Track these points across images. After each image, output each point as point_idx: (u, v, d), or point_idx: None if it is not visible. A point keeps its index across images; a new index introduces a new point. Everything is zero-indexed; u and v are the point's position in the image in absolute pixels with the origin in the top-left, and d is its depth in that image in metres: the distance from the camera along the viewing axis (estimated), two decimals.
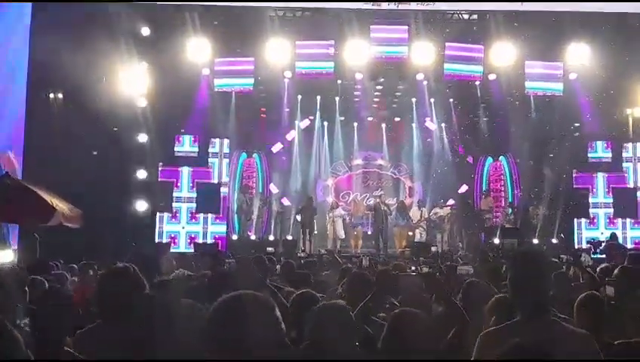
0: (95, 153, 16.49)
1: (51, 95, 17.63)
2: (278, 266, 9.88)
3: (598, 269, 8.36)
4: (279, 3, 18.01)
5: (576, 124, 19.26)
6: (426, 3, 17.72)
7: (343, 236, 20.62)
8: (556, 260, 9.27)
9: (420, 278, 5.15)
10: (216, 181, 19.07)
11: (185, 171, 18.78)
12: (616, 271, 5.94)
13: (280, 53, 18.04)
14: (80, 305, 6.96)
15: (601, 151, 19.48)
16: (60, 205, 9.93)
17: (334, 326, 3.59)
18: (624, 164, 19.34)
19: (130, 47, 17.27)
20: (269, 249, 16.84)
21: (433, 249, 17.33)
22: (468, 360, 3.41)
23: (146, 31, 17.87)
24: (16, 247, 13.45)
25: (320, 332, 3.59)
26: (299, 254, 16.41)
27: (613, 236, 16.87)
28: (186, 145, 18.93)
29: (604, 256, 14.79)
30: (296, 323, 4.09)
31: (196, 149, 18.95)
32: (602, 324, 4.28)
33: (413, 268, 7.03)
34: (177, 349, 3.21)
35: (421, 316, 3.96)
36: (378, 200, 20.34)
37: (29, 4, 16.42)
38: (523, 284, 3.32)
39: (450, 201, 21.28)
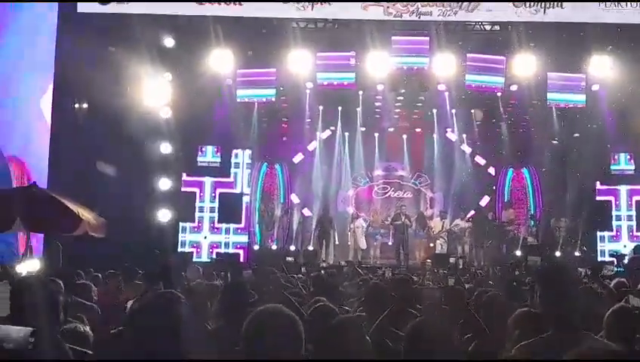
0: (124, 159, 16.61)
1: (76, 105, 17.86)
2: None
3: (612, 284, 8.38)
4: (301, 14, 18.13)
5: (599, 136, 19.09)
6: (447, 14, 17.72)
7: (365, 247, 20.64)
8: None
9: (440, 292, 5.17)
10: (238, 191, 19.22)
11: (207, 181, 18.97)
12: None
13: (302, 64, 18.13)
14: (104, 312, 7.14)
15: (624, 163, 19.36)
16: (86, 214, 10.09)
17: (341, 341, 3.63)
18: None
19: (153, 57, 17.44)
20: (289, 259, 16.96)
21: (452, 260, 17.23)
22: None
23: (169, 42, 18.05)
24: (41, 256, 13.62)
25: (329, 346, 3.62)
26: (321, 265, 16.44)
27: (638, 249, 16.51)
28: (208, 156, 19.13)
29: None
30: (312, 335, 4.14)
31: (219, 160, 19.14)
32: (634, 336, 4.28)
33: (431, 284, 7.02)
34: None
35: (440, 326, 3.97)
36: (399, 211, 20.32)
37: (55, 14, 16.67)
38: (554, 300, 3.40)
39: (472, 213, 21.20)
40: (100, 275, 10.01)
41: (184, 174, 18.79)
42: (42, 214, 9.47)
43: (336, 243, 20.53)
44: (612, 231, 18.99)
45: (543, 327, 3.40)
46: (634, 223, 18.88)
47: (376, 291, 5.98)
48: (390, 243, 21.11)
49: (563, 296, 3.37)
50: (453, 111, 21.11)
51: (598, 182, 19.20)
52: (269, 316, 2.63)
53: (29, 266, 9.55)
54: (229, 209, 18.58)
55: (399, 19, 17.60)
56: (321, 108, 20.93)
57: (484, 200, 22.18)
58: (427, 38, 18.13)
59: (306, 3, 16.88)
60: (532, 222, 20.85)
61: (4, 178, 14.34)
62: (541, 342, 3.34)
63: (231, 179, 19.20)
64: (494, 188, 22.61)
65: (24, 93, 16.23)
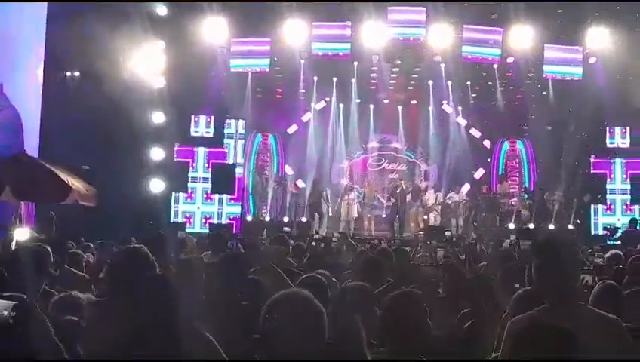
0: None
1: (68, 74, 17.64)
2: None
3: (607, 255, 8.42)
4: None
5: (595, 109, 18.96)
6: None
7: (356, 216, 20.62)
8: None
9: (441, 270, 5.08)
10: (231, 162, 19.10)
11: (200, 151, 18.84)
12: None
13: (296, 33, 17.93)
14: (95, 282, 7.06)
15: (619, 137, 19.29)
16: (76, 183, 9.97)
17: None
18: None
19: (146, 26, 17.16)
20: (286, 229, 16.95)
21: (447, 233, 17.17)
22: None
23: (162, 10, 17.77)
24: (33, 226, 13.51)
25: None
26: (314, 236, 16.39)
27: (633, 221, 16.45)
28: (201, 126, 18.98)
29: (619, 242, 14.66)
30: None
31: (212, 130, 19.01)
32: (619, 309, 4.23)
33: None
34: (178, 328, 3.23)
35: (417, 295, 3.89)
36: (397, 183, 20.29)
37: None
38: (548, 272, 3.35)
39: (466, 186, 21.17)
40: (91, 245, 9.93)
41: (177, 144, 18.62)
42: (32, 182, 9.35)
43: (330, 215, 20.48)
44: (606, 204, 18.96)
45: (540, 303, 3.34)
46: (628, 197, 18.84)
47: (370, 264, 5.92)
48: (384, 216, 21.10)
49: (557, 268, 3.32)
50: (449, 83, 20.94)
51: (592, 156, 19.12)
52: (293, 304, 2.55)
53: (19, 236, 9.46)
54: (222, 179, 18.44)
55: None
56: (315, 78, 20.76)
57: (479, 173, 22.14)
58: (424, 9, 17.93)
59: None
60: (526, 195, 20.81)
61: None
62: (536, 315, 3.29)
63: (224, 150, 19.06)
64: (489, 160, 22.55)
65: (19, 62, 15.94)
